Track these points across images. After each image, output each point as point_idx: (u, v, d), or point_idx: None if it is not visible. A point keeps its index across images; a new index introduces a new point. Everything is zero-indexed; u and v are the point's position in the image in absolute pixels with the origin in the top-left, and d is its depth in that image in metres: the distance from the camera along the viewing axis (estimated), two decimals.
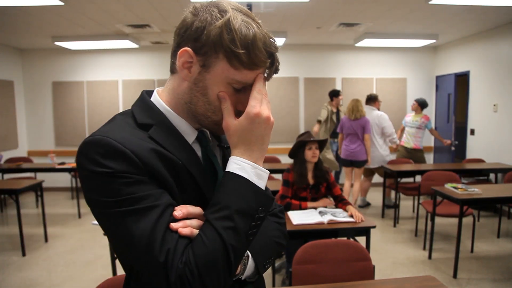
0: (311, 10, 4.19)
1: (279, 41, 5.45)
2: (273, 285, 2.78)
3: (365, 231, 2.44)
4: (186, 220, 0.69)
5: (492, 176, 4.90)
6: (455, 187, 3.25)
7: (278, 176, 5.04)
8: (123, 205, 0.65)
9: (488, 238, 3.96)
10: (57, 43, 5.37)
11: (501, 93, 4.88)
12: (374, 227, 2.43)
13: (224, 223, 0.67)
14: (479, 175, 4.84)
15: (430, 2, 3.57)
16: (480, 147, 5.32)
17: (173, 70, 0.79)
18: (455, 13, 4.22)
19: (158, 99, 0.80)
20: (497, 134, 4.96)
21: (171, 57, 0.78)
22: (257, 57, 0.71)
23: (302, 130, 6.43)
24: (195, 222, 0.71)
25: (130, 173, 0.66)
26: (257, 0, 3.72)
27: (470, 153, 5.54)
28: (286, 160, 5.61)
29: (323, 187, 2.84)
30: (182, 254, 0.65)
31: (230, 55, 0.70)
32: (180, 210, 0.69)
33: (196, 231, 0.69)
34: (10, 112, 5.93)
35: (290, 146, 6.44)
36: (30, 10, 3.89)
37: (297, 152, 2.85)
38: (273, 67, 0.77)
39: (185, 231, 0.67)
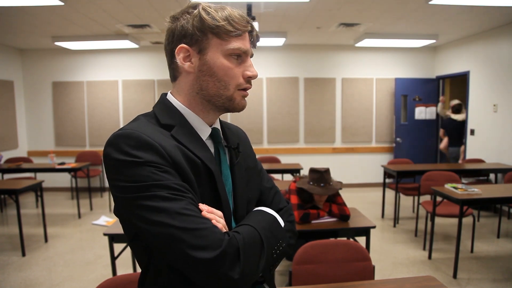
0: (311, 10, 4.19)
1: (279, 41, 5.45)
2: None
3: (365, 231, 2.43)
4: (215, 216, 0.76)
5: (492, 176, 4.90)
6: (455, 187, 3.25)
7: (278, 176, 5.05)
8: (153, 189, 0.69)
9: (488, 238, 3.96)
10: (57, 43, 5.36)
11: (501, 93, 4.88)
12: (374, 227, 2.43)
13: (260, 226, 0.79)
14: (479, 175, 4.84)
15: (430, 2, 3.57)
16: (480, 147, 5.32)
17: (174, 77, 0.87)
18: (455, 13, 4.22)
19: (175, 100, 0.87)
20: (497, 134, 4.96)
21: (169, 68, 0.87)
22: (238, 24, 0.80)
23: (302, 130, 6.43)
24: (223, 221, 0.77)
25: (159, 163, 0.71)
26: (257, 0, 3.72)
27: (470, 153, 5.53)
28: (286, 160, 5.62)
29: (334, 207, 2.54)
30: (223, 233, 0.72)
31: (216, 30, 0.79)
32: (205, 206, 0.75)
33: (225, 230, 0.74)
34: (10, 112, 5.93)
35: (290, 146, 6.52)
36: (30, 10, 3.89)
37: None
38: (254, 33, 0.86)
39: (218, 224, 0.73)
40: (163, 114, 0.83)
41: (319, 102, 6.40)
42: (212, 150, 0.87)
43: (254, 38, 0.86)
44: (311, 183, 2.43)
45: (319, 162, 6.14)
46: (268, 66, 6.33)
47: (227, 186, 0.86)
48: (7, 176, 5.15)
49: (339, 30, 5.11)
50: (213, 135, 0.88)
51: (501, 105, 4.88)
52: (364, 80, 6.42)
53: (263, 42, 5.42)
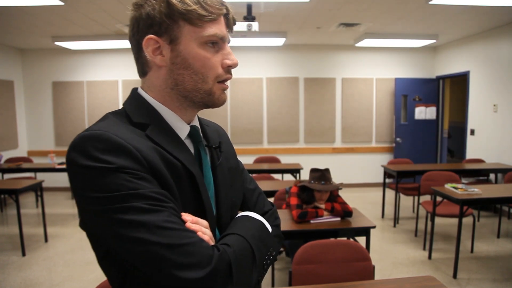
0: (311, 10, 4.19)
1: (279, 41, 5.45)
2: (273, 285, 2.78)
3: (365, 231, 2.43)
4: (201, 227, 0.68)
5: (492, 176, 4.90)
6: (455, 187, 3.25)
7: (278, 176, 5.05)
8: (129, 200, 0.59)
9: (488, 238, 3.96)
10: (57, 43, 5.36)
11: (501, 93, 4.88)
12: (374, 227, 2.43)
13: (250, 236, 0.72)
14: (479, 175, 4.84)
15: (430, 2, 3.57)
16: (480, 147, 5.31)
17: (144, 72, 0.77)
18: (455, 13, 4.22)
19: (147, 96, 0.76)
20: (497, 134, 4.96)
21: (136, 63, 0.77)
22: (211, 7, 0.71)
23: (302, 130, 6.44)
24: (209, 232, 0.69)
25: (134, 169, 0.62)
26: (257, 0, 3.72)
27: (470, 153, 5.53)
28: (286, 160, 5.62)
29: (336, 205, 2.56)
30: (212, 247, 0.64)
31: (187, 16, 0.70)
32: (189, 216, 0.67)
33: (212, 243, 0.67)
34: (10, 112, 5.93)
35: (290, 146, 6.52)
36: (30, 10, 3.88)
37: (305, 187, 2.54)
38: (230, 15, 0.76)
39: (205, 236, 0.65)
40: (136, 112, 0.74)
41: (319, 102, 6.40)
42: (192, 150, 0.78)
43: (230, 22, 0.76)
44: (312, 181, 2.51)
45: (319, 162, 6.14)
46: (268, 66, 6.33)
47: (209, 190, 0.78)
48: (7, 176, 5.15)
49: (339, 30, 5.11)
50: (192, 134, 0.79)
51: (501, 105, 4.88)
52: (364, 80, 6.42)
53: (263, 42, 5.42)
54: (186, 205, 0.70)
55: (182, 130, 0.77)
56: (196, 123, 0.82)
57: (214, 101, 0.77)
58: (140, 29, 0.72)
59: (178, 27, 0.70)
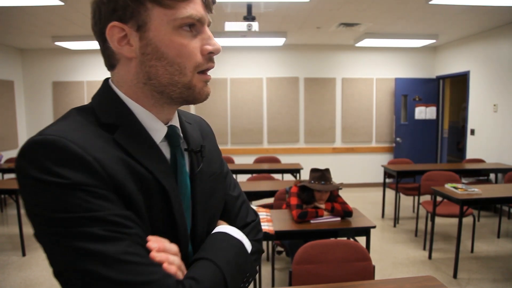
0: (311, 10, 4.19)
1: (279, 41, 5.45)
2: (273, 285, 2.78)
3: (365, 231, 2.43)
4: (168, 255, 0.58)
5: (492, 176, 4.90)
6: (455, 187, 3.25)
7: (278, 176, 5.04)
8: (84, 224, 0.51)
9: (488, 238, 3.96)
10: (57, 43, 5.36)
11: (501, 93, 4.88)
12: (374, 227, 2.43)
13: (224, 262, 0.64)
14: (479, 175, 4.84)
15: (430, 2, 3.57)
16: (480, 147, 5.32)
17: (111, 66, 0.66)
18: (455, 13, 4.22)
19: (118, 91, 0.65)
20: (497, 134, 4.96)
21: (102, 55, 0.67)
22: None
23: (302, 130, 6.44)
24: (178, 260, 0.60)
25: (92, 186, 0.53)
26: (257, 0, 3.71)
27: (470, 153, 5.53)
28: (286, 160, 5.62)
29: (336, 205, 2.56)
30: (175, 284, 0.55)
31: None
32: (155, 243, 0.57)
33: (180, 273, 0.58)
34: (10, 112, 5.93)
35: (290, 146, 6.51)
36: (30, 10, 3.88)
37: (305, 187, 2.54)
38: None
39: (172, 268, 0.56)
40: (105, 110, 0.63)
41: (319, 102, 6.40)
42: (168, 155, 0.67)
43: (208, 1, 0.64)
44: (312, 181, 2.52)
45: (319, 162, 6.14)
46: (268, 66, 6.33)
47: (185, 201, 0.68)
48: (7, 176, 5.15)
49: (339, 30, 5.11)
50: (170, 135, 0.68)
51: (501, 105, 4.88)
52: (364, 80, 6.42)
53: (263, 42, 5.42)
54: (156, 223, 0.61)
55: (158, 132, 0.66)
56: (175, 122, 0.71)
57: (195, 95, 0.65)
58: (102, 15, 0.62)
59: (146, 10, 0.59)
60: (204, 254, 0.64)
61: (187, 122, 0.77)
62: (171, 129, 0.69)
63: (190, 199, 0.70)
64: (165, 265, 0.56)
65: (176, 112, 0.73)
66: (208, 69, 0.66)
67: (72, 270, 0.51)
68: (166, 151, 0.67)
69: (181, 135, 0.72)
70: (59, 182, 0.51)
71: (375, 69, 6.44)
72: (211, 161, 0.78)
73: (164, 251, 0.58)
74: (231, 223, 0.77)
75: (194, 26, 0.62)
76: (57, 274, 0.56)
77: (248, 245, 0.72)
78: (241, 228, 0.76)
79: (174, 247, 0.61)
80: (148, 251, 0.56)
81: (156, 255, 0.56)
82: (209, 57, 0.65)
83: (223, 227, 0.72)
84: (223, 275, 0.61)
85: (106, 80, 0.68)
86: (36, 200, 0.52)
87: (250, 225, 0.78)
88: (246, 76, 6.28)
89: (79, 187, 0.52)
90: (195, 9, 0.61)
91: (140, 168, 0.59)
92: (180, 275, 0.58)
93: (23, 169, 0.53)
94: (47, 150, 0.52)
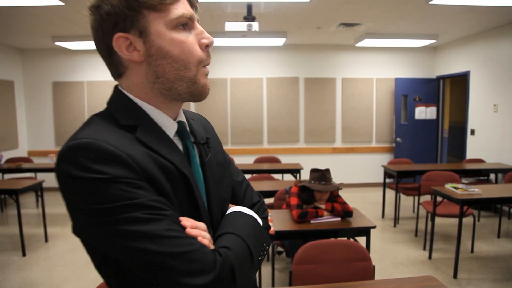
0: (311, 10, 4.19)
1: (279, 41, 5.45)
2: (273, 285, 2.78)
3: (365, 231, 2.43)
4: (200, 231, 0.68)
5: (492, 176, 4.90)
6: (455, 187, 3.25)
7: (278, 176, 5.04)
8: (128, 210, 0.59)
9: (488, 238, 3.96)
10: (57, 43, 5.36)
11: (501, 93, 4.88)
12: (374, 227, 2.43)
13: (246, 234, 0.73)
14: (479, 175, 4.84)
15: (430, 2, 3.57)
16: (480, 147, 5.32)
17: (120, 74, 0.74)
18: (455, 13, 4.22)
19: (131, 96, 0.73)
20: (497, 134, 4.96)
21: (109, 67, 0.75)
22: None
23: (302, 130, 6.44)
24: (208, 235, 0.69)
25: (129, 178, 0.60)
26: (257, 0, 3.72)
27: (470, 153, 5.53)
28: (286, 160, 5.62)
29: (336, 205, 2.55)
30: (213, 253, 0.64)
31: (149, 3, 0.66)
32: (188, 221, 0.67)
33: (212, 245, 0.68)
34: (10, 112, 5.93)
35: (290, 146, 6.52)
36: (30, 10, 3.89)
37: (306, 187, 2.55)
38: None
39: (205, 241, 0.66)
40: (122, 113, 0.70)
41: (319, 102, 6.40)
42: (181, 148, 0.76)
43: (192, 0, 0.73)
44: (312, 181, 2.52)
45: (319, 162, 6.14)
46: (268, 66, 6.33)
47: (200, 188, 0.76)
48: (7, 176, 5.15)
49: (339, 30, 5.11)
50: (180, 131, 0.77)
51: (501, 105, 4.88)
52: (364, 80, 6.42)
53: (263, 42, 5.42)
54: (182, 208, 0.69)
55: (170, 128, 0.74)
56: (182, 118, 0.79)
57: (200, 89, 0.73)
58: (105, 31, 0.69)
59: (144, 17, 0.67)
60: (227, 229, 0.73)
61: (190, 119, 0.86)
62: (180, 125, 0.77)
63: (204, 186, 0.78)
64: (199, 238, 0.65)
65: (182, 110, 0.81)
66: (208, 64, 0.74)
67: (124, 251, 0.59)
68: (178, 144, 0.76)
69: (188, 130, 0.80)
70: (100, 178, 0.58)
71: (375, 69, 6.44)
72: (216, 151, 0.87)
73: (196, 228, 0.67)
74: (239, 204, 0.85)
75: (187, 25, 0.70)
76: (101, 262, 0.67)
77: (260, 220, 0.80)
78: (249, 208, 0.84)
79: (203, 225, 0.70)
80: (183, 228, 0.64)
81: (191, 231, 0.65)
82: (207, 51, 0.73)
83: (236, 208, 0.81)
84: (247, 244, 0.71)
85: (117, 87, 0.76)
86: (81, 196, 0.60)
87: (256, 205, 0.88)
88: (246, 76, 6.28)
89: (118, 180, 0.59)
90: (185, 8, 0.70)
91: (163, 161, 0.67)
92: (212, 247, 0.67)
93: (65, 171, 0.60)
94: (84, 151, 0.60)
